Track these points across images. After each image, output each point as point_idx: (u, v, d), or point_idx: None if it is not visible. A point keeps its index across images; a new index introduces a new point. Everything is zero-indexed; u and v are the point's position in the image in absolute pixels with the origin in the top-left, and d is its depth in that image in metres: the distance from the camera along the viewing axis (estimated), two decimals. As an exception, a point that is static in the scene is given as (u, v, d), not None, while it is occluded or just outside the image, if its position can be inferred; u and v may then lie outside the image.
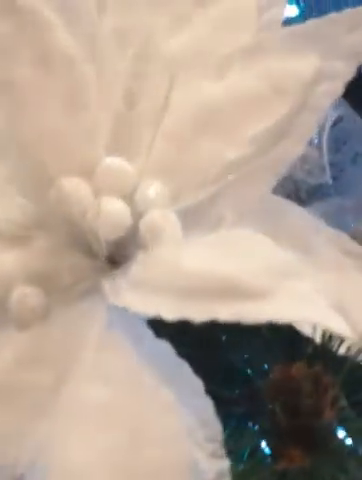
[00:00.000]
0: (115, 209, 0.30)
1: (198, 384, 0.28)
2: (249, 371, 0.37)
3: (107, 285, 0.30)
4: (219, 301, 0.26)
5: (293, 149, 0.31)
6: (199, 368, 0.29)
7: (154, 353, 0.29)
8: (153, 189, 0.30)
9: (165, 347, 0.29)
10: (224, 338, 0.36)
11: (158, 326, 0.29)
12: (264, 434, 0.32)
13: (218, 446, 0.27)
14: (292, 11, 0.54)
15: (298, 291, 0.26)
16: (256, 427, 0.34)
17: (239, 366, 0.37)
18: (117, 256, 0.32)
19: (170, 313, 0.27)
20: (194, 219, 0.30)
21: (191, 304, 0.26)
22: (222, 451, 0.27)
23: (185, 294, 0.26)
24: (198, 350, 0.35)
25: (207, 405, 0.28)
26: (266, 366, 0.35)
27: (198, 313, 0.26)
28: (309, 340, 0.30)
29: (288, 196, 0.44)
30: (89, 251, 0.31)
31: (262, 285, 0.26)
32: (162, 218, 0.29)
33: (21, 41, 0.30)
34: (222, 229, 0.29)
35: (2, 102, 0.30)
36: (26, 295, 0.30)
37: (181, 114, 0.31)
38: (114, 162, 0.31)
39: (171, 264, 0.28)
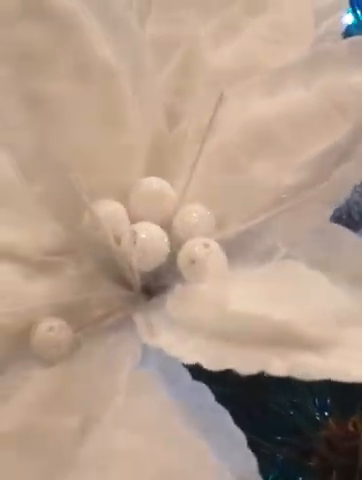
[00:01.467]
0: (152, 237, 0.27)
1: (239, 436, 0.26)
2: (296, 417, 0.34)
3: (140, 320, 0.27)
4: (271, 351, 0.23)
5: (354, 173, 0.27)
6: (239, 411, 0.27)
7: (190, 397, 0.27)
8: (195, 215, 0.28)
9: (203, 390, 0.27)
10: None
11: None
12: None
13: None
14: (347, 19, 0.51)
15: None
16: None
17: (284, 411, 0.33)
18: (152, 286, 0.30)
19: (213, 362, 0.24)
20: (239, 250, 0.28)
21: (238, 353, 0.23)
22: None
23: (231, 341, 0.24)
24: (239, 390, 0.32)
25: (248, 460, 0.26)
26: (316, 414, 0.32)
27: (246, 364, 0.23)
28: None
29: (339, 217, 0.40)
30: (121, 281, 0.29)
31: (321, 334, 0.23)
32: (204, 248, 0.27)
33: (56, 49, 0.27)
34: (272, 262, 0.26)
35: (34, 116, 0.27)
36: (52, 328, 0.27)
37: (228, 134, 0.28)
38: (152, 184, 0.28)
39: (215, 303, 0.25)
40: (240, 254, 0.27)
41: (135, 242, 0.26)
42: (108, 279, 0.29)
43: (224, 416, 0.26)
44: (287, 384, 0.31)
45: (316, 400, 0.34)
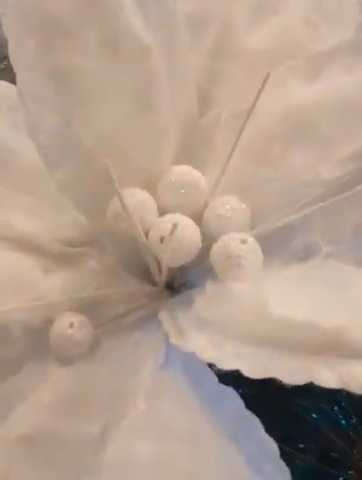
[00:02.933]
0: (185, 230, 0.25)
1: (271, 445, 0.24)
2: (319, 422, 0.32)
3: (167, 319, 0.26)
4: (319, 361, 0.21)
5: None
6: (261, 414, 0.25)
7: (217, 402, 0.25)
8: (229, 207, 0.26)
9: (231, 395, 0.25)
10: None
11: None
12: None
13: None
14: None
15: None
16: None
17: (309, 415, 0.32)
18: (176, 282, 0.29)
19: (254, 370, 0.22)
20: (275, 247, 0.26)
21: (282, 361, 0.21)
22: None
23: (273, 347, 0.22)
24: (260, 391, 0.30)
25: (281, 472, 0.24)
26: (343, 421, 0.30)
27: (292, 374, 0.21)
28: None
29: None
30: (145, 275, 0.28)
31: None
32: (241, 244, 0.25)
33: (84, 22, 0.25)
34: (313, 261, 0.25)
35: (60, 94, 0.25)
36: (71, 324, 0.26)
37: (266, 122, 0.27)
38: (184, 173, 0.27)
39: (253, 304, 0.23)
40: (277, 252, 0.26)
41: (164, 236, 0.25)
42: (131, 273, 0.28)
43: (254, 423, 0.24)
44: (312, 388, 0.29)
45: (340, 404, 0.32)
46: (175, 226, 0.24)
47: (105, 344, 0.27)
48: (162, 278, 0.27)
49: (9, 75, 0.26)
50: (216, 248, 0.25)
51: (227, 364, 0.22)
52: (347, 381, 0.20)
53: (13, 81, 0.25)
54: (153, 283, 0.28)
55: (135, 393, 0.25)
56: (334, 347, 0.21)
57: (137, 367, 0.26)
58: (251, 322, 0.23)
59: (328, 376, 0.20)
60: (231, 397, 0.25)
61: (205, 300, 0.25)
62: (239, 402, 0.25)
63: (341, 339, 0.21)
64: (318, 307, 0.22)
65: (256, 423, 0.25)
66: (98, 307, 0.27)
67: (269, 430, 0.25)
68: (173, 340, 0.24)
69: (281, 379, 0.21)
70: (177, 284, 0.29)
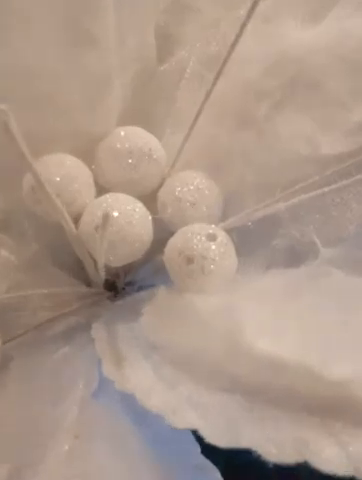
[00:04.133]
0: (130, 217, 0.21)
1: None
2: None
3: (102, 334, 0.22)
4: (318, 427, 0.15)
5: None
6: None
7: (166, 443, 0.21)
8: (194, 188, 0.22)
9: (185, 434, 0.20)
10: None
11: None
12: None
13: None
14: None
15: None
16: None
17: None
18: (120, 281, 0.25)
19: (219, 435, 0.16)
20: (255, 246, 0.22)
21: (260, 423, 0.16)
22: None
23: (249, 398, 0.16)
24: None
25: None
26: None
27: (278, 447, 0.15)
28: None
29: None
30: (76, 272, 0.24)
31: None
32: (208, 241, 0.20)
33: None
34: (308, 268, 0.20)
35: None
36: None
37: (248, 72, 0.22)
38: (133, 136, 0.22)
39: (223, 330, 0.17)
40: (256, 253, 0.22)
41: (104, 223, 0.19)
42: (58, 268, 0.24)
43: (214, 477, 0.20)
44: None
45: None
46: (113, 209, 0.20)
47: (18, 363, 0.22)
48: (99, 278, 0.22)
49: None
50: (172, 245, 0.21)
51: (180, 420, 0.17)
52: (359, 465, 0.14)
53: None
54: (88, 282, 0.24)
55: (57, 429, 0.21)
56: (340, 409, 0.15)
57: (61, 394, 0.21)
58: (218, 356, 0.17)
59: (332, 454, 0.14)
60: (186, 438, 0.20)
61: (154, 316, 0.21)
62: (196, 446, 0.21)
63: (351, 398, 0.15)
64: (316, 342, 0.16)
65: (216, 477, 0.20)
66: (10, 313, 0.23)
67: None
68: (106, 370, 0.20)
69: (259, 452, 0.15)
70: (121, 284, 0.24)
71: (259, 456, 0.16)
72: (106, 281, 0.23)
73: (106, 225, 0.18)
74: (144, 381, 0.18)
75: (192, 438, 0.21)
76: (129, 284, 0.24)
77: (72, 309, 0.23)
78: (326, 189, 0.20)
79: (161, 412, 0.17)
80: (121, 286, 0.24)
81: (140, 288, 0.24)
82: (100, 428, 0.21)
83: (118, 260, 0.21)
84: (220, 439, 0.16)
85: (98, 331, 0.22)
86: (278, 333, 0.17)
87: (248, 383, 0.16)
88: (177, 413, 0.17)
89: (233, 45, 0.20)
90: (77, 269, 0.24)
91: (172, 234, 0.21)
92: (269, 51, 0.22)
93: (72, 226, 0.21)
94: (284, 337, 0.16)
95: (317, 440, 0.15)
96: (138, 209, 0.21)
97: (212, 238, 0.20)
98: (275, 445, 0.15)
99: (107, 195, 0.21)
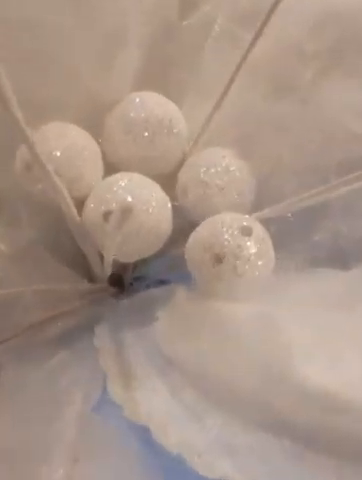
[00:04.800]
0: (147, 203, 0.18)
1: None
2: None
3: (106, 342, 0.19)
4: None
5: None
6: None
7: (175, 466, 0.18)
8: (224, 168, 0.19)
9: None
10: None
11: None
12: None
13: None
14: None
15: None
16: None
17: None
18: (128, 274, 0.22)
19: None
20: (293, 240, 0.19)
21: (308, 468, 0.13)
22: None
23: (294, 440, 0.13)
24: None
25: None
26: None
27: None
28: None
29: None
30: (78, 265, 0.21)
31: None
32: (239, 234, 0.17)
33: None
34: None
35: None
36: None
37: (290, 33, 0.20)
38: (150, 104, 0.20)
39: (263, 349, 0.15)
40: (294, 248, 0.19)
41: (115, 211, 0.17)
42: (57, 260, 0.21)
43: None
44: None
45: None
46: (126, 194, 0.17)
47: (7, 371, 0.20)
48: (104, 272, 0.20)
49: None
50: (196, 240, 0.18)
51: (208, 467, 0.15)
52: None
53: None
54: (91, 277, 0.22)
55: (51, 451, 0.19)
56: None
57: (57, 409, 0.19)
58: (257, 384, 0.14)
59: None
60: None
61: (172, 323, 0.18)
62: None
63: None
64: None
65: None
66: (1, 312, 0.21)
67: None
68: (113, 391, 0.17)
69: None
70: (129, 279, 0.22)
71: None
72: (111, 275, 0.21)
73: (124, 219, 0.16)
74: (160, 408, 0.16)
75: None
76: (138, 279, 0.22)
77: (71, 308, 0.21)
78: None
79: (183, 454, 0.14)
80: (129, 281, 0.22)
81: (150, 284, 0.22)
82: (102, 450, 0.19)
83: (128, 255, 0.19)
84: None
85: (102, 340, 0.20)
86: (332, 357, 0.14)
87: (297, 423, 0.13)
88: (204, 457, 0.14)
89: (274, 3, 0.17)
90: (78, 261, 0.22)
91: (194, 225, 0.19)
92: (316, 8, 0.20)
93: (75, 212, 0.18)
94: (340, 363, 0.14)
95: None
96: (155, 194, 0.18)
97: (247, 232, 0.17)
98: None
99: (118, 175, 0.18)
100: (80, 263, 0.22)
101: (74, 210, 0.19)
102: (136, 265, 0.22)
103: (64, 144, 0.19)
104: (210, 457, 0.14)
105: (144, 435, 0.19)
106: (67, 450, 0.19)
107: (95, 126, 0.19)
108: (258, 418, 0.14)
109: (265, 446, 0.14)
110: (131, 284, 0.22)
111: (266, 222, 0.18)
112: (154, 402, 0.16)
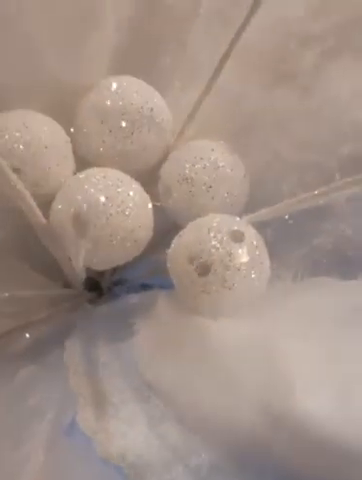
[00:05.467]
0: (123, 204, 0.16)
1: None
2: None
3: (75, 359, 0.18)
4: None
5: None
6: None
7: None
8: (212, 163, 0.17)
9: None
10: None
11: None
12: None
13: None
14: None
15: None
16: None
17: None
18: (106, 278, 0.21)
19: None
20: (291, 245, 0.17)
21: None
22: None
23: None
24: None
25: None
26: None
27: None
28: None
29: None
30: (50, 271, 0.20)
31: None
32: (229, 240, 0.15)
33: None
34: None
35: None
36: None
37: (288, 13, 0.18)
38: (129, 89, 0.18)
39: (260, 375, 0.13)
40: (293, 254, 0.17)
41: (83, 211, 0.15)
42: (25, 265, 0.20)
43: None
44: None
45: None
46: (100, 196, 0.15)
47: None
48: (78, 277, 0.18)
49: None
50: (180, 246, 0.16)
51: None
52: None
53: None
54: (66, 281, 0.20)
55: (16, 476, 0.17)
56: None
57: (23, 431, 0.18)
58: (252, 422, 0.13)
59: None
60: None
61: (151, 340, 0.16)
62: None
63: None
64: None
65: None
66: None
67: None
68: (82, 420, 0.15)
69: None
70: (107, 283, 0.21)
71: None
72: (88, 279, 0.19)
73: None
74: (135, 446, 0.14)
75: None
76: (118, 283, 0.21)
77: (42, 317, 0.20)
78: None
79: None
80: (107, 286, 0.20)
81: (131, 289, 0.20)
82: (71, 474, 0.17)
83: (101, 264, 0.17)
84: None
85: (72, 356, 0.18)
86: (341, 392, 0.12)
87: (301, 472, 0.11)
88: None
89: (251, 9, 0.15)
90: (52, 264, 0.19)
91: (178, 227, 0.17)
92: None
93: (39, 214, 0.16)
94: (352, 398, 0.11)
95: None
96: (133, 193, 0.16)
97: (238, 238, 0.15)
98: None
99: (90, 171, 0.16)
100: (54, 267, 0.20)
101: (39, 213, 0.16)
102: (116, 268, 0.20)
103: (27, 136, 0.16)
104: None
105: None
106: (34, 477, 0.17)
107: (65, 114, 0.17)
108: (256, 461, 0.12)
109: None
110: (110, 289, 0.21)
111: (261, 226, 0.16)
112: (129, 436, 0.14)
